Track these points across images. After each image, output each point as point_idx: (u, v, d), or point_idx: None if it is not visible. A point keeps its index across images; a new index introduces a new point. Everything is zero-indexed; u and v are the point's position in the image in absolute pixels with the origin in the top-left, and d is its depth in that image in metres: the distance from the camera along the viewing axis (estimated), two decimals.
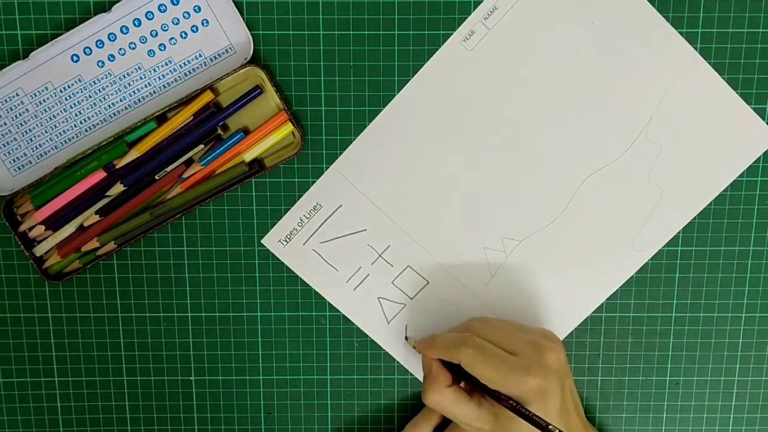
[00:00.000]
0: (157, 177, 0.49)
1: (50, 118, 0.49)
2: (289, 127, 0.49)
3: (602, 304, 0.52)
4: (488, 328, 0.47)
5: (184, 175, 0.50)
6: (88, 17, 0.48)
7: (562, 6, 0.49)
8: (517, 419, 0.44)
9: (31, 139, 0.49)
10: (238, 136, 0.49)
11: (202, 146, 0.49)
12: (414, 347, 0.50)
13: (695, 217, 0.51)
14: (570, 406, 0.46)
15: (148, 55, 0.49)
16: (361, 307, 0.52)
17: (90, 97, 0.49)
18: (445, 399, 0.46)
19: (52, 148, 0.50)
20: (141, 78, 0.49)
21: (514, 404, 0.44)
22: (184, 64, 0.49)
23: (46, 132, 0.49)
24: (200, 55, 0.49)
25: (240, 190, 0.51)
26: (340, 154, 0.51)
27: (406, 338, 0.52)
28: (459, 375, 0.47)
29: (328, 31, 0.49)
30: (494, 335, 0.46)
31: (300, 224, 0.51)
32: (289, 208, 0.51)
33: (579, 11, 0.49)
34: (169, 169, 0.49)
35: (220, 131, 0.49)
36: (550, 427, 0.42)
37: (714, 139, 0.50)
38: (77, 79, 0.49)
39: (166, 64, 0.49)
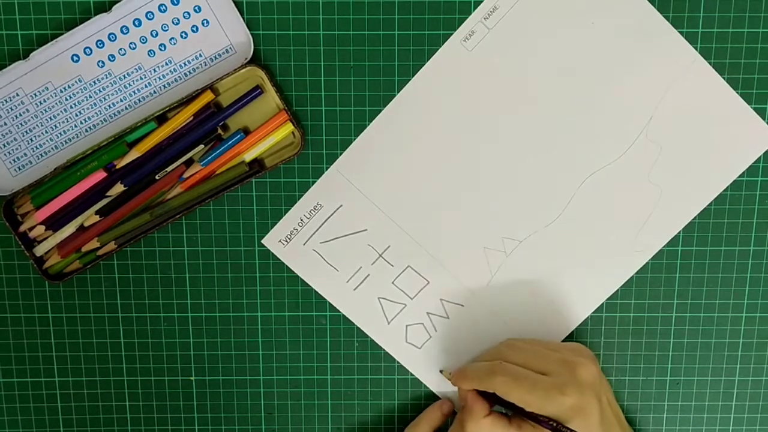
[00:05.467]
0: (157, 177, 0.49)
1: (50, 118, 0.49)
2: (289, 127, 0.49)
3: (602, 304, 0.52)
4: (517, 352, 0.47)
5: (185, 175, 0.50)
6: (88, 17, 0.48)
7: (562, 6, 0.49)
8: None
9: (31, 139, 0.49)
10: (238, 136, 0.49)
11: (202, 146, 0.49)
12: (449, 379, 0.50)
13: (695, 217, 0.51)
14: (611, 418, 0.46)
15: (149, 55, 0.49)
16: (361, 307, 0.52)
17: (90, 97, 0.49)
18: (483, 429, 0.46)
19: (52, 148, 0.50)
20: (141, 78, 0.49)
21: (555, 425, 0.43)
22: (184, 64, 0.49)
23: (46, 132, 0.49)
24: (200, 55, 0.49)
25: (240, 190, 0.51)
26: (340, 154, 0.51)
27: (441, 371, 0.52)
28: (496, 401, 0.47)
29: (328, 31, 0.49)
30: (523, 358, 0.47)
31: (300, 224, 0.51)
32: (290, 208, 0.51)
33: (579, 11, 0.49)
34: (169, 169, 0.49)
35: (220, 131, 0.49)
36: None
37: (714, 139, 0.50)
38: (77, 79, 0.49)
39: (166, 64, 0.49)
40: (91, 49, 0.48)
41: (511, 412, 0.47)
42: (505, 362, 0.47)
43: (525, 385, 0.44)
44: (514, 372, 0.45)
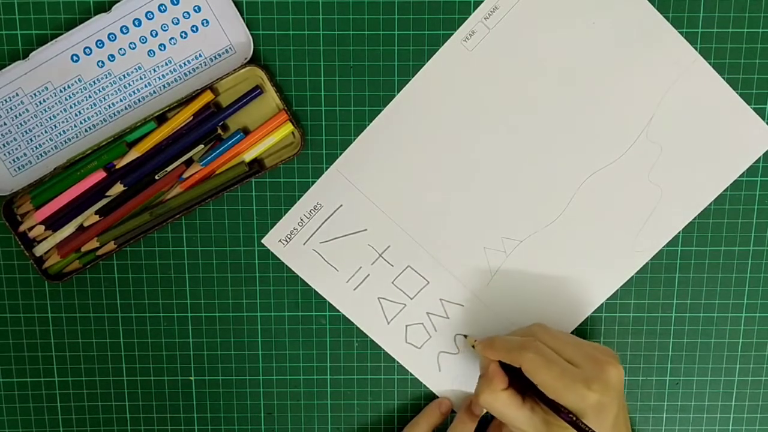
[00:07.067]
0: (157, 177, 0.49)
1: (50, 118, 0.49)
2: (289, 127, 0.49)
3: (602, 304, 0.52)
4: (550, 336, 0.47)
5: (184, 175, 0.50)
6: (88, 17, 0.48)
7: (562, 6, 0.49)
8: (569, 429, 0.43)
9: (31, 139, 0.49)
10: (238, 136, 0.49)
11: (202, 146, 0.49)
12: (473, 347, 0.50)
13: (695, 217, 0.51)
14: (621, 423, 0.46)
15: (148, 55, 0.49)
16: (361, 307, 0.52)
17: (90, 97, 0.49)
18: (498, 401, 0.46)
19: (52, 148, 0.50)
20: (141, 78, 0.49)
21: (574, 418, 0.43)
22: (184, 64, 0.49)
23: (46, 132, 0.49)
24: (200, 55, 0.49)
25: (240, 190, 0.51)
26: (340, 154, 0.51)
27: (465, 336, 0.52)
28: (516, 378, 0.47)
29: (328, 31, 0.49)
30: (556, 343, 0.46)
31: (300, 224, 0.51)
32: (289, 208, 0.51)
33: (579, 11, 0.49)
34: (169, 169, 0.49)
35: (220, 131, 0.49)
36: None
37: (714, 139, 0.50)
38: (77, 79, 0.49)
39: (166, 64, 0.49)
40: (90, 49, 0.48)
41: (527, 392, 0.46)
42: (538, 341, 0.46)
43: (554, 369, 0.44)
44: (545, 353, 0.45)
